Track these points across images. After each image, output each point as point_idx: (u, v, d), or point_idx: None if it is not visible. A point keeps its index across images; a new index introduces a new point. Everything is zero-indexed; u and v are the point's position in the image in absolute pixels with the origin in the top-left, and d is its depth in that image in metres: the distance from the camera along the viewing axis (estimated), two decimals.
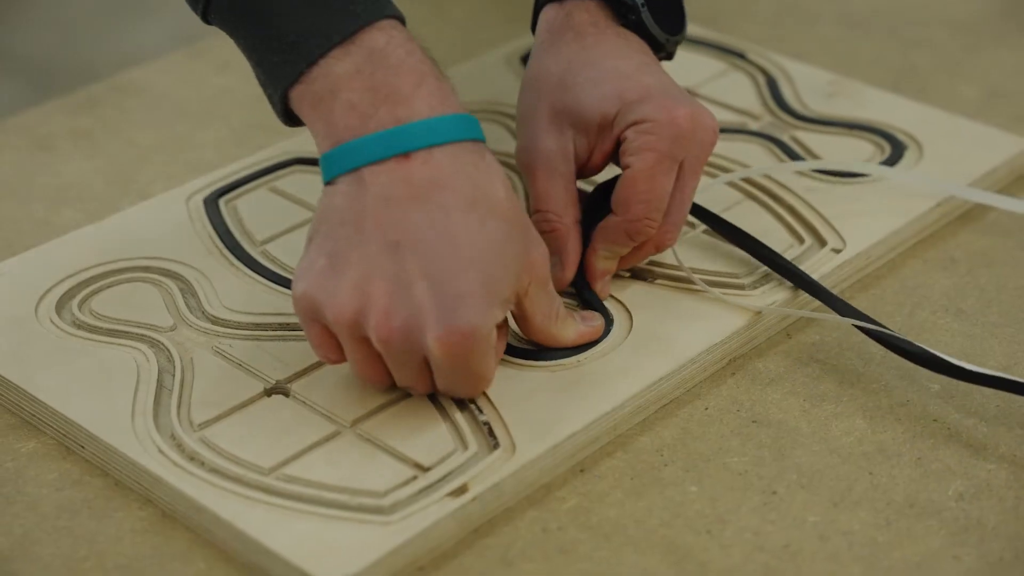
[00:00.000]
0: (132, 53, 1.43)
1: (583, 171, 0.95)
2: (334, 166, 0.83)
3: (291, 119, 0.87)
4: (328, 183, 0.84)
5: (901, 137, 1.11)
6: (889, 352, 0.94)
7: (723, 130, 1.12)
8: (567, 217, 0.93)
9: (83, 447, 0.88)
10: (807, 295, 0.95)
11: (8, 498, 0.86)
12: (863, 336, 0.95)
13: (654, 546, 0.82)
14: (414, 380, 0.85)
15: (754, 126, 1.14)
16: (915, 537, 0.82)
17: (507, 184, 0.84)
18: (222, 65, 1.28)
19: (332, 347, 0.85)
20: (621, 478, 0.86)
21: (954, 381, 0.92)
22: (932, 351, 0.90)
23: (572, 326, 0.91)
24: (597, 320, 0.92)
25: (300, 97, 0.84)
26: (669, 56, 0.99)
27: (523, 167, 0.94)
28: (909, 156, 1.10)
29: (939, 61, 1.26)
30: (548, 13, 0.97)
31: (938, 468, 0.87)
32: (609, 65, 0.93)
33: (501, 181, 0.84)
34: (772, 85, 1.18)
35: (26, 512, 0.85)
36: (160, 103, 1.23)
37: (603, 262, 0.94)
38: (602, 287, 0.95)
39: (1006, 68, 1.26)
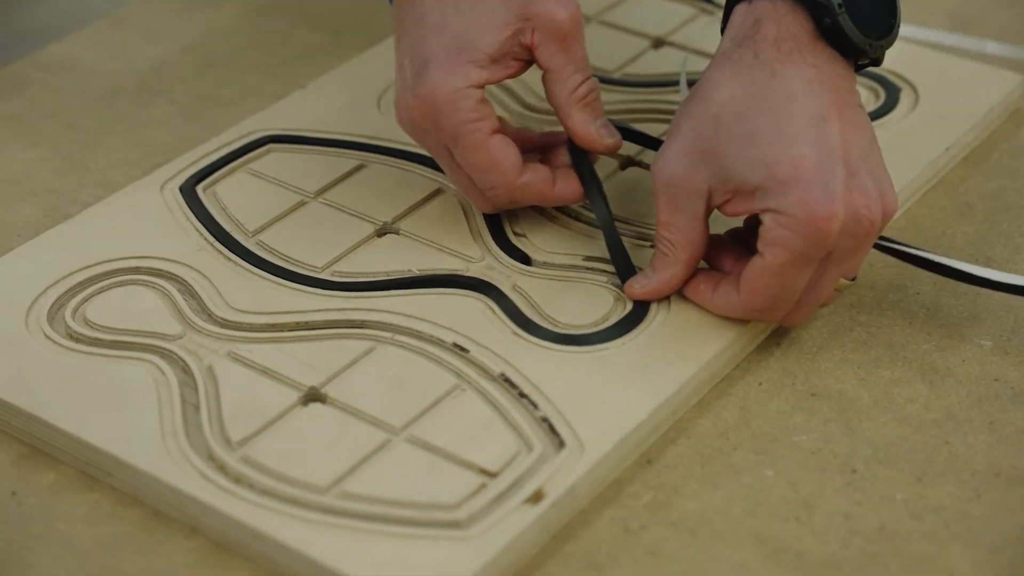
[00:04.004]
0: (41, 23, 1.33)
1: (717, 210, 0.86)
2: None
3: None
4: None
5: (892, 79, 1.08)
6: (932, 309, 0.91)
7: None
8: (683, 252, 0.87)
9: (111, 475, 0.81)
10: None
11: (41, 538, 0.79)
12: (901, 294, 0.92)
13: (743, 539, 0.78)
14: (450, 168, 0.90)
15: None
16: (1009, 508, 0.80)
17: None
18: (151, 33, 1.20)
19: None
20: (691, 467, 0.82)
21: (1004, 335, 0.89)
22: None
23: (591, 121, 0.89)
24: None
25: None
26: (876, 62, 0.87)
27: (654, 178, 0.86)
28: (905, 99, 1.06)
29: None
30: (737, 15, 0.86)
31: (1012, 431, 0.84)
32: (770, 122, 0.82)
33: None
34: None
35: (64, 552, 0.78)
36: (92, 79, 1.15)
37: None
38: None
39: None
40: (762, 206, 0.82)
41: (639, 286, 0.89)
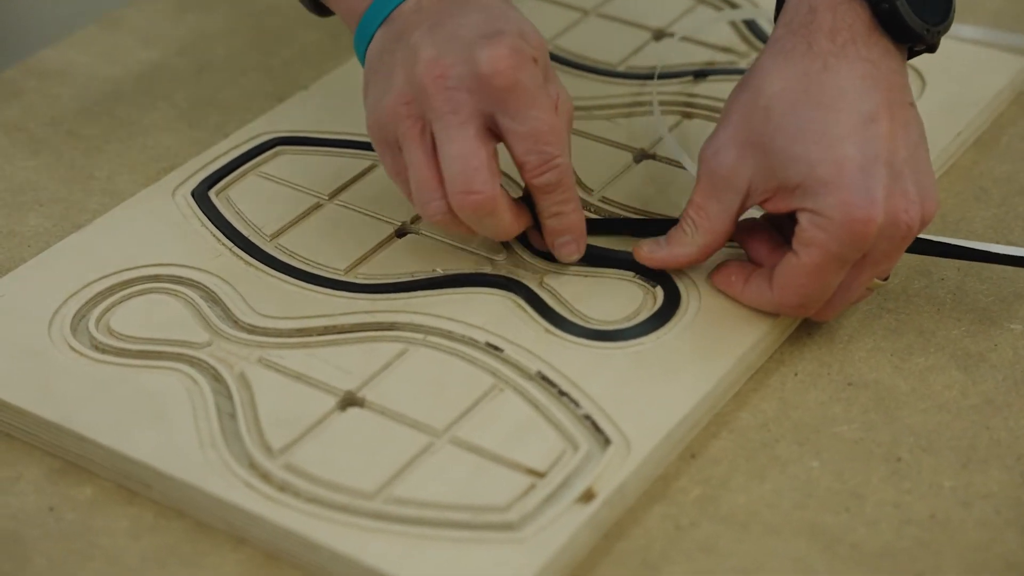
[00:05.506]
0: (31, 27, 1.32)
1: (756, 204, 0.86)
2: (368, 26, 0.87)
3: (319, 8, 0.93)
4: (367, 47, 0.87)
5: None
6: (958, 294, 0.91)
7: (713, 71, 1.08)
8: (701, 237, 0.86)
9: (150, 487, 0.80)
10: None
11: (84, 554, 0.77)
12: (927, 280, 0.92)
13: (797, 532, 0.78)
14: (477, 138, 0.83)
15: (744, 64, 1.09)
16: None
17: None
18: (143, 37, 1.18)
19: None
20: (736, 460, 0.82)
21: None
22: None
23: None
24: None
25: None
26: (931, 48, 0.87)
27: (701, 160, 0.86)
28: (911, 86, 1.06)
29: None
30: (791, 2, 0.85)
31: None
32: (818, 118, 0.81)
33: None
34: (747, 19, 1.14)
35: (109, 568, 0.77)
36: (89, 85, 1.13)
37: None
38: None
39: None
40: (800, 205, 0.82)
41: (647, 250, 0.88)
